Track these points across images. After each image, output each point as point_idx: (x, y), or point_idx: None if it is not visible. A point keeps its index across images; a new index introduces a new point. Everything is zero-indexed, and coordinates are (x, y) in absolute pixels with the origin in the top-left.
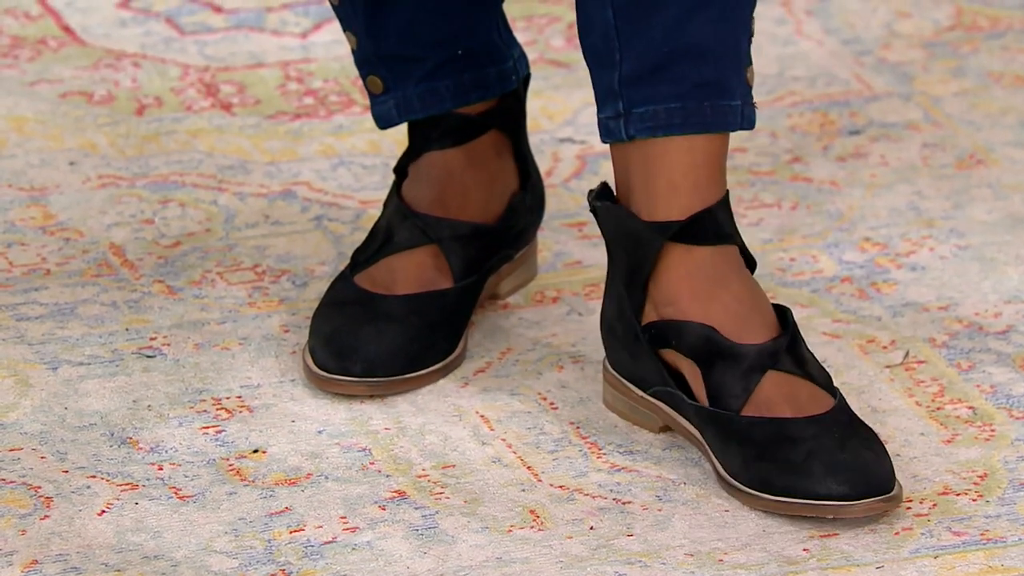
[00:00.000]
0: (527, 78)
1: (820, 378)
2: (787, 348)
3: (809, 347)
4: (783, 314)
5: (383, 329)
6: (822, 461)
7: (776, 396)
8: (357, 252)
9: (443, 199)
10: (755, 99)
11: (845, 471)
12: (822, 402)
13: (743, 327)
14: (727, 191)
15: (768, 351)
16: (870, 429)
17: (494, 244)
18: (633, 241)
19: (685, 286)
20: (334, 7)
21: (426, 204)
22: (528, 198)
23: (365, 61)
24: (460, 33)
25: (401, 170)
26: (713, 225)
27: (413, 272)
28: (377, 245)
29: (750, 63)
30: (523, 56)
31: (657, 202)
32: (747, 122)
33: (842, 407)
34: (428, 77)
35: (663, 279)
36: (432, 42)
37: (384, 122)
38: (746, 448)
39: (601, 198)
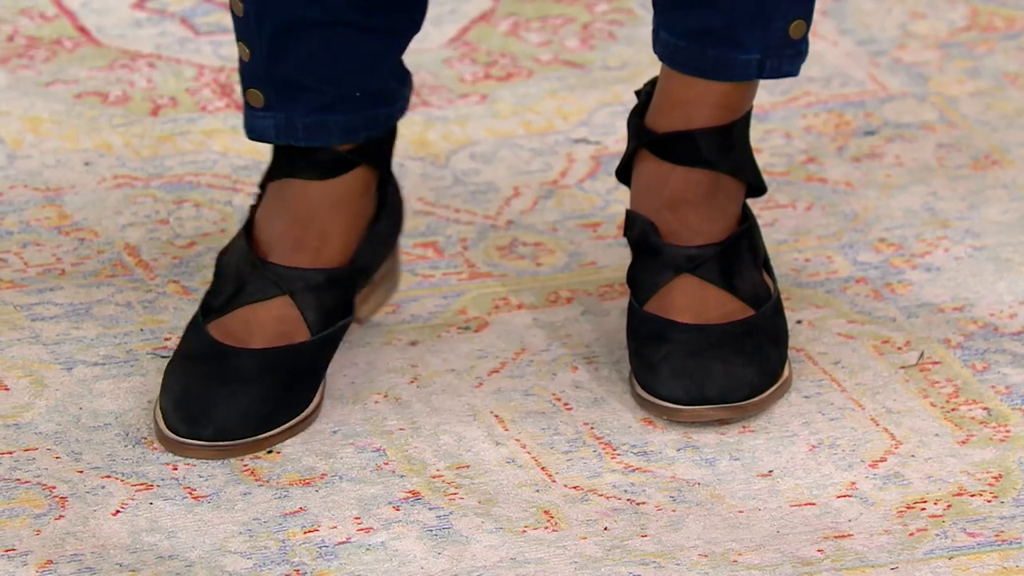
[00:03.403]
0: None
1: (745, 292)
2: (718, 257)
3: (769, 259)
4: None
5: (235, 391)
6: (670, 365)
7: (681, 302)
8: (208, 295)
9: (301, 241)
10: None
11: (686, 377)
12: (731, 315)
13: (683, 232)
14: (731, 123)
15: (689, 255)
16: (764, 348)
17: (350, 288)
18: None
19: (645, 194)
20: (235, 17)
21: (280, 247)
22: (383, 226)
23: (253, 75)
24: (361, 74)
25: (264, 187)
26: (689, 148)
27: (268, 326)
28: (230, 292)
29: (798, 17)
30: (408, 93)
31: (653, 112)
32: (769, 72)
33: (751, 323)
34: (321, 110)
35: (633, 181)
36: (332, 78)
37: (256, 136)
38: (632, 341)
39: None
